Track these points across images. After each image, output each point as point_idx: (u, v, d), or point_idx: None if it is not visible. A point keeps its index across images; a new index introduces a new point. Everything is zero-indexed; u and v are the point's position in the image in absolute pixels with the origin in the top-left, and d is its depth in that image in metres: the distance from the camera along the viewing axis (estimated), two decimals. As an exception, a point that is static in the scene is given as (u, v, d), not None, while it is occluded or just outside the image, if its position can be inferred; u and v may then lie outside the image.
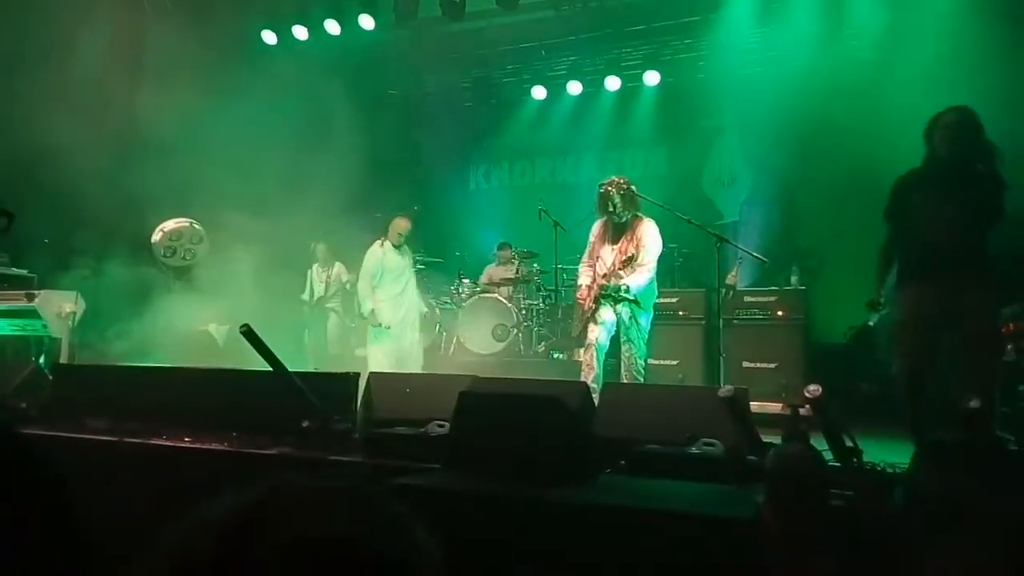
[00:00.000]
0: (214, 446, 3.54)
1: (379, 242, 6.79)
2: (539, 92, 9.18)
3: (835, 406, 2.80)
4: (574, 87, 9.00)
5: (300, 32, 8.76)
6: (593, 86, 8.95)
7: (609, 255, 5.17)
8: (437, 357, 7.57)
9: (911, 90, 5.93)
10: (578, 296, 5.34)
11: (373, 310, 6.62)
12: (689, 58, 8.41)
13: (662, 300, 5.70)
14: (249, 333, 3.47)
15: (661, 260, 5.26)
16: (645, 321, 5.13)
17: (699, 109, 8.43)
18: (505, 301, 7.45)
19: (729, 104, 8.27)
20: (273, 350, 3.55)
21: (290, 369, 3.64)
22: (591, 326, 5.15)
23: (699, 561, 2.26)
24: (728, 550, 2.24)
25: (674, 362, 6.52)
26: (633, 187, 5.21)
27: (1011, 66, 6.18)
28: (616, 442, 3.16)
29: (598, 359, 5.12)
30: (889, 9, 7.17)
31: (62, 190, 6.29)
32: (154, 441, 3.63)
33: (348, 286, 7.57)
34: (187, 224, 7.04)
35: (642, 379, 5.10)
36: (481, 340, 7.39)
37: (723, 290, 6.01)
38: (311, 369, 5.80)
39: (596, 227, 5.38)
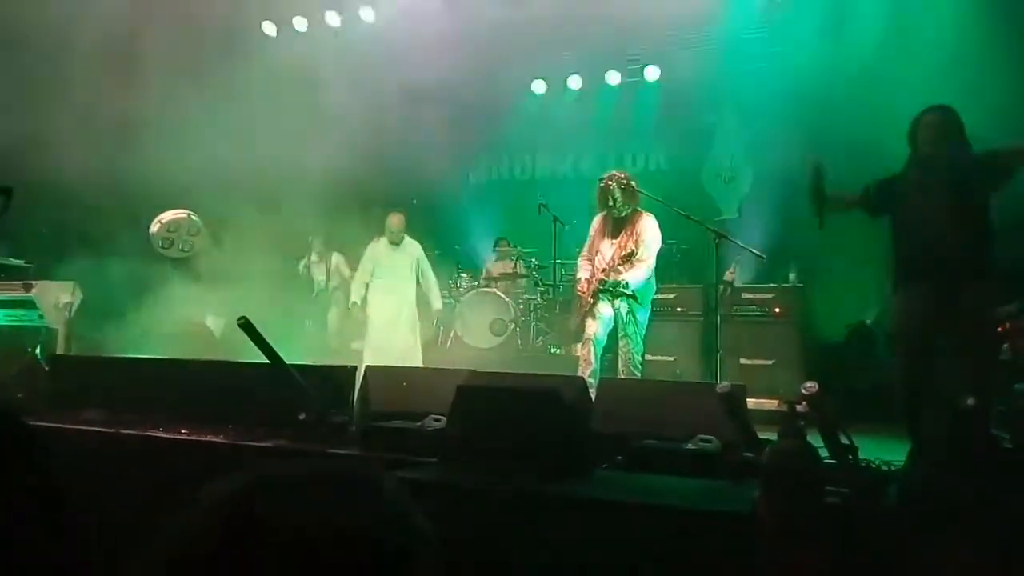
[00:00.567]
0: (211, 438, 3.54)
1: (377, 238, 6.81)
2: (539, 86, 9.16)
3: (831, 403, 2.80)
4: (575, 82, 8.99)
5: (300, 23, 8.73)
6: (594, 81, 8.93)
7: (608, 249, 5.17)
8: (435, 351, 7.57)
9: (912, 87, 5.92)
10: (578, 289, 5.35)
11: (355, 302, 6.68)
12: (690, 54, 8.39)
13: (660, 296, 5.70)
14: (247, 325, 3.47)
15: (659, 256, 5.26)
16: (643, 316, 5.13)
17: (700, 105, 8.41)
18: (503, 296, 7.45)
19: (730, 100, 8.25)
20: (270, 343, 3.55)
21: (288, 362, 3.64)
22: (589, 321, 5.16)
23: (695, 556, 2.27)
24: (724, 546, 2.24)
25: (671, 358, 6.52)
26: (633, 182, 5.21)
27: (1012, 65, 6.18)
28: (613, 437, 3.17)
29: (596, 354, 5.12)
30: (890, 7, 7.16)
31: (60, 180, 6.28)
32: (151, 433, 3.63)
33: (349, 279, 7.58)
34: (185, 215, 7.03)
35: (639, 374, 5.11)
36: (479, 335, 7.39)
37: (721, 286, 6.01)
38: (309, 362, 5.81)
39: (596, 221, 5.38)
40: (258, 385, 3.85)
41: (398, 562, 0.60)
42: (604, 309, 5.12)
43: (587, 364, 5.10)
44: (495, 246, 8.45)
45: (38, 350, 5.92)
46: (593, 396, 3.82)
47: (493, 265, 8.29)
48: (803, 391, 2.74)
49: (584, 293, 5.22)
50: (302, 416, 3.57)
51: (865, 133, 6.70)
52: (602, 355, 5.21)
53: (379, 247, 6.83)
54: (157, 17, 7.44)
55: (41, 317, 6.07)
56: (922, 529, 2.14)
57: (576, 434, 2.93)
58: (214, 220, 7.11)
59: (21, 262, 6.79)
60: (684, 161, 8.71)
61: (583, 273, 5.33)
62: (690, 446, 3.03)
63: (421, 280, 7.02)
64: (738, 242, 5.95)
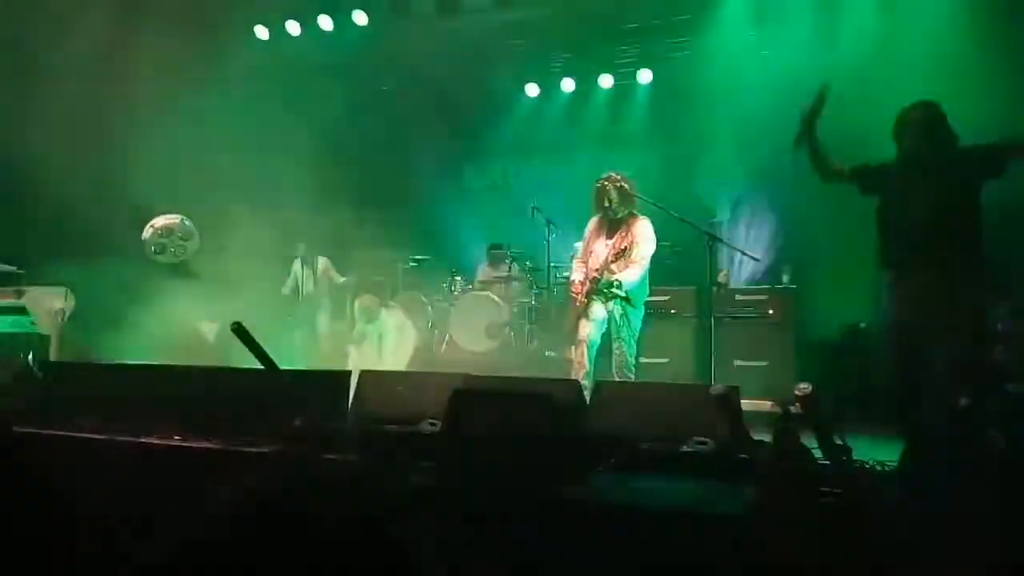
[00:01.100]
0: (204, 444, 3.52)
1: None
2: (532, 90, 9.17)
3: (825, 404, 2.81)
4: (567, 85, 9.00)
5: (293, 27, 8.72)
6: (586, 84, 8.95)
7: (603, 250, 5.19)
8: (429, 355, 7.57)
9: (904, 89, 5.94)
10: (572, 291, 5.35)
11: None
12: (683, 57, 8.42)
13: (653, 298, 5.72)
14: (240, 330, 3.45)
15: (653, 258, 5.27)
16: (636, 318, 5.14)
17: (692, 108, 8.43)
18: (498, 299, 7.45)
19: (722, 103, 8.28)
20: (264, 348, 3.53)
21: (281, 367, 3.63)
22: (582, 323, 5.16)
23: (690, 558, 2.27)
24: (719, 547, 2.25)
25: (665, 360, 6.54)
26: (629, 184, 5.22)
27: (1004, 66, 6.22)
28: (607, 440, 3.17)
29: (589, 356, 5.13)
30: (883, 8, 7.20)
31: (52, 185, 6.25)
32: (144, 439, 3.61)
33: (339, 284, 7.59)
34: (177, 220, 7.00)
35: (633, 377, 5.12)
36: (473, 338, 7.39)
37: (715, 288, 6.03)
38: (303, 367, 5.79)
39: (591, 223, 5.39)
40: (252, 391, 3.83)
41: (408, 560, 0.60)
42: (597, 311, 5.13)
43: (581, 367, 5.10)
44: (490, 248, 8.44)
45: (30, 357, 5.89)
46: (587, 399, 3.83)
47: (488, 268, 8.29)
48: (797, 392, 2.75)
49: (578, 294, 5.23)
50: (297, 421, 3.56)
51: (855, 134, 6.74)
52: (596, 357, 5.21)
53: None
54: (148, 20, 7.42)
55: (33, 324, 6.04)
56: (916, 530, 2.15)
57: (571, 437, 2.93)
58: (206, 225, 7.09)
59: (12, 268, 6.76)
60: (676, 164, 8.73)
61: (577, 275, 5.34)
62: (685, 448, 3.03)
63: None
64: (731, 244, 5.97)
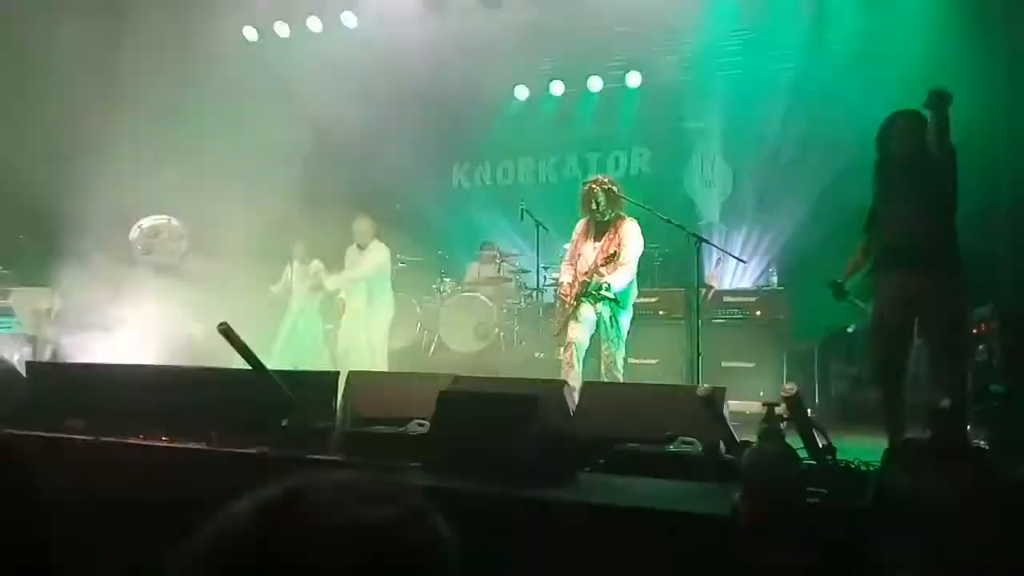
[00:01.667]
0: (192, 445, 3.51)
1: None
2: (522, 92, 9.18)
3: (811, 405, 2.84)
4: (557, 87, 9.02)
5: (282, 29, 8.70)
6: (576, 86, 8.98)
7: (591, 253, 5.21)
8: (418, 356, 7.56)
9: (892, 91, 6.00)
10: (560, 293, 5.37)
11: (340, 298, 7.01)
12: (671, 60, 8.46)
13: (642, 299, 5.74)
14: (227, 331, 3.44)
15: (641, 260, 5.30)
16: (624, 320, 5.17)
17: (681, 111, 8.48)
18: (487, 300, 7.45)
19: (711, 106, 8.32)
20: (252, 348, 3.53)
21: (269, 367, 3.62)
22: (571, 324, 5.18)
23: (677, 558, 2.29)
24: (705, 547, 2.27)
25: (653, 361, 6.56)
26: (616, 187, 5.25)
27: (989, 66, 6.29)
28: (595, 441, 3.18)
29: (578, 358, 5.14)
30: (869, 10, 7.27)
31: (38, 186, 6.21)
32: (131, 441, 3.59)
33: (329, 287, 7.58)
34: (165, 221, 6.97)
35: (621, 378, 5.14)
36: (462, 339, 7.39)
37: (703, 290, 6.06)
38: (291, 367, 5.78)
39: (579, 225, 5.42)
40: (240, 391, 3.82)
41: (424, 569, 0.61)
42: (586, 313, 5.15)
43: (569, 368, 5.12)
44: (479, 250, 8.45)
45: (16, 357, 5.85)
46: (576, 400, 3.84)
47: (477, 269, 8.29)
48: (782, 393, 2.77)
49: (566, 296, 5.25)
50: (285, 422, 3.55)
51: (844, 137, 6.80)
52: (584, 359, 5.23)
53: (351, 251, 7.02)
54: (134, 20, 7.40)
55: (18, 324, 6.00)
56: (897, 529, 2.18)
57: (559, 438, 2.94)
58: (195, 226, 7.07)
59: (-1, 269, 6.72)
60: (665, 166, 8.78)
61: (565, 277, 5.36)
62: (672, 448, 3.05)
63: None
64: (719, 246, 6.02)
